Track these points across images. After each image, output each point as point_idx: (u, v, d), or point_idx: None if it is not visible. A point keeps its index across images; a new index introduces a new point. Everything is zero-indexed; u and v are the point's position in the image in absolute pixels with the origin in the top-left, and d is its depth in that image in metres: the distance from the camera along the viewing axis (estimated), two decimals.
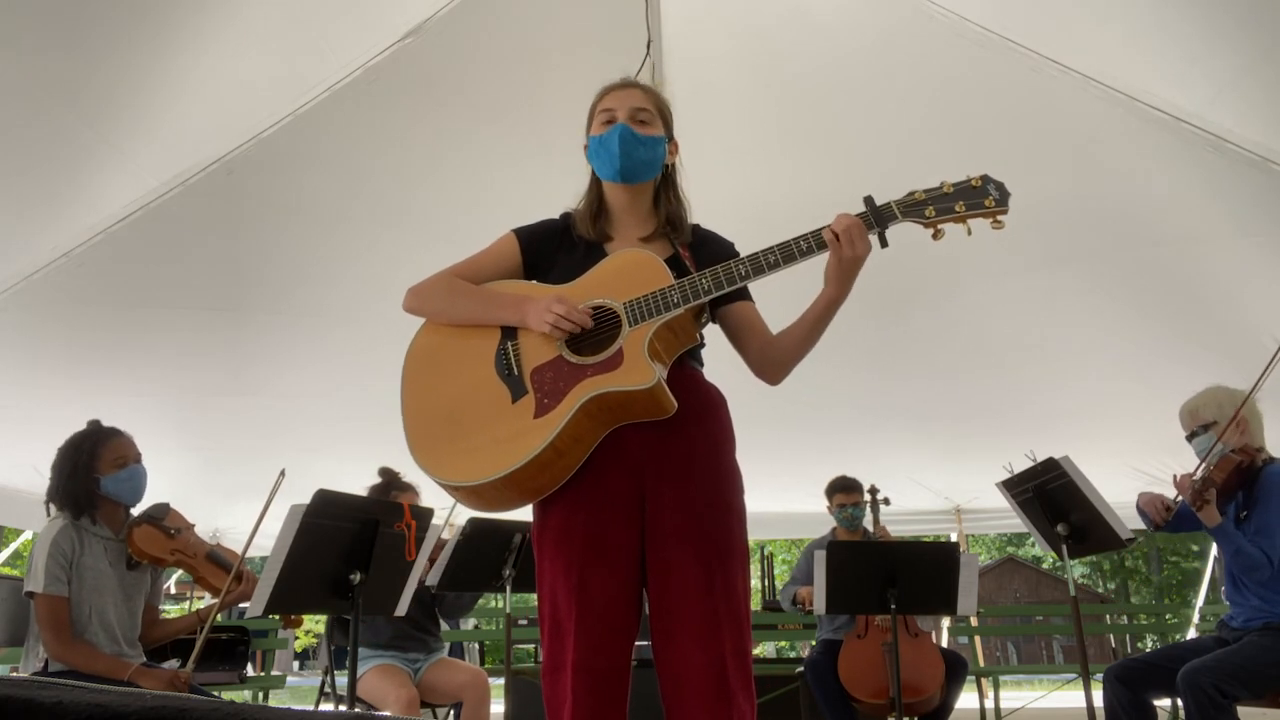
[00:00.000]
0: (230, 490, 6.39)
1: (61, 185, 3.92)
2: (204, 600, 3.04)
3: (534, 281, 1.99)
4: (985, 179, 1.79)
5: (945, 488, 7.19)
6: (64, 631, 2.72)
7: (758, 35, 4.27)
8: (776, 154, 4.64)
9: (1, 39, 3.13)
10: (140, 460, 2.97)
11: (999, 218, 1.78)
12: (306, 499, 2.59)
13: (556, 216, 2.05)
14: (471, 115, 4.38)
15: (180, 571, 3.09)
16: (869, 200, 1.79)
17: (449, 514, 4.21)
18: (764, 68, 4.35)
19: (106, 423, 3.02)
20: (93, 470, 2.88)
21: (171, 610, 10.30)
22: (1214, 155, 3.90)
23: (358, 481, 3.72)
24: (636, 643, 1.82)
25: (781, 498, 6.77)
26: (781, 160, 4.64)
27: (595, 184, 2.01)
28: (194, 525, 3.08)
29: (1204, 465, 3.27)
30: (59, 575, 2.75)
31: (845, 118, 4.49)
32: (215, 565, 3.01)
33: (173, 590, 13.68)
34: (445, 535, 3.76)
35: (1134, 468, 6.06)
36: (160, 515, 3.01)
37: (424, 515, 2.96)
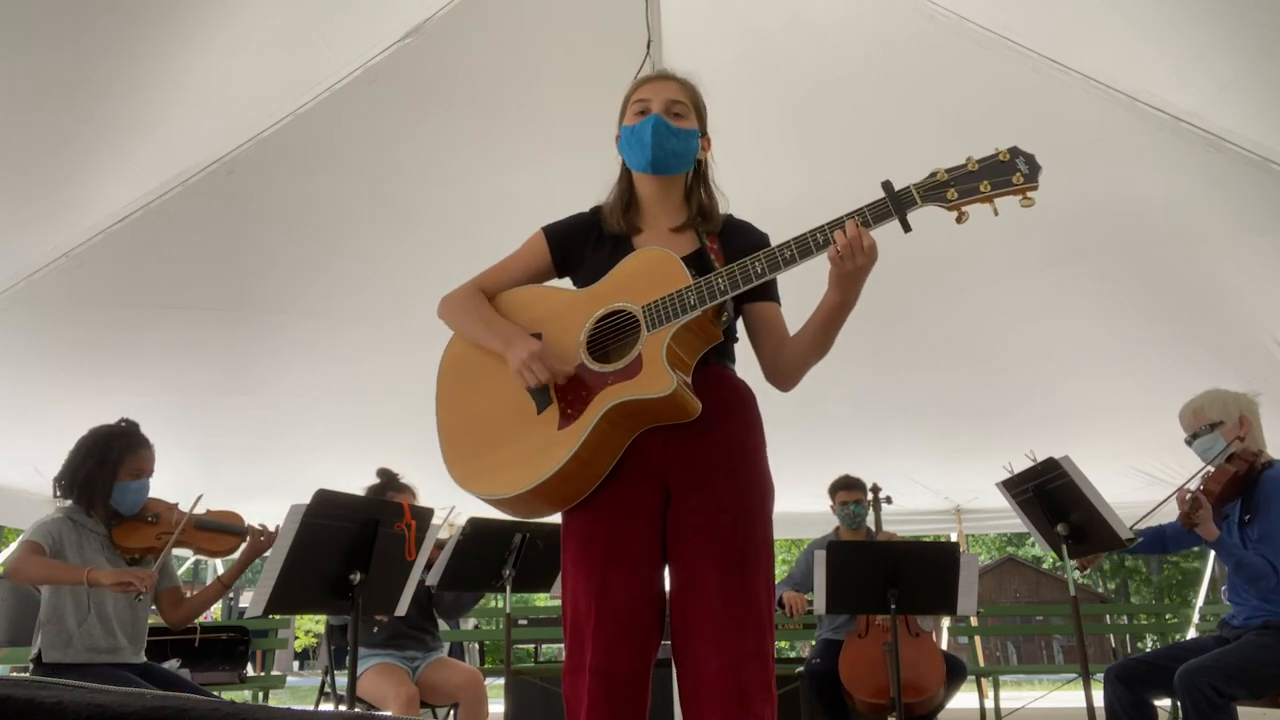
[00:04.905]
0: (230, 490, 6.38)
1: (61, 185, 3.92)
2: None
3: (553, 285, 2.00)
4: (1014, 151, 1.68)
5: (945, 488, 7.19)
6: (30, 557, 2.76)
7: (758, 36, 4.26)
8: (777, 154, 4.64)
9: (1, 39, 3.13)
10: (151, 476, 3.00)
11: (1029, 194, 1.66)
12: (306, 499, 2.59)
13: (586, 210, 2.04)
14: (471, 115, 4.37)
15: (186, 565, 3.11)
16: (887, 185, 1.71)
17: (448, 514, 4.21)
18: (765, 68, 4.34)
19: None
20: (116, 470, 2.90)
21: None
22: (1214, 155, 3.90)
23: (358, 481, 3.72)
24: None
25: (782, 498, 6.67)
26: (781, 160, 4.63)
27: (625, 175, 2.00)
28: (176, 504, 3.08)
29: (1207, 468, 3.27)
30: (44, 537, 2.80)
31: (845, 118, 4.49)
32: (208, 531, 3.02)
33: None
34: (445, 535, 3.76)
35: (1134, 468, 6.06)
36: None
37: (424, 515, 2.96)
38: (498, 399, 1.87)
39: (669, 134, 1.90)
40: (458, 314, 1.97)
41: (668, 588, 1.84)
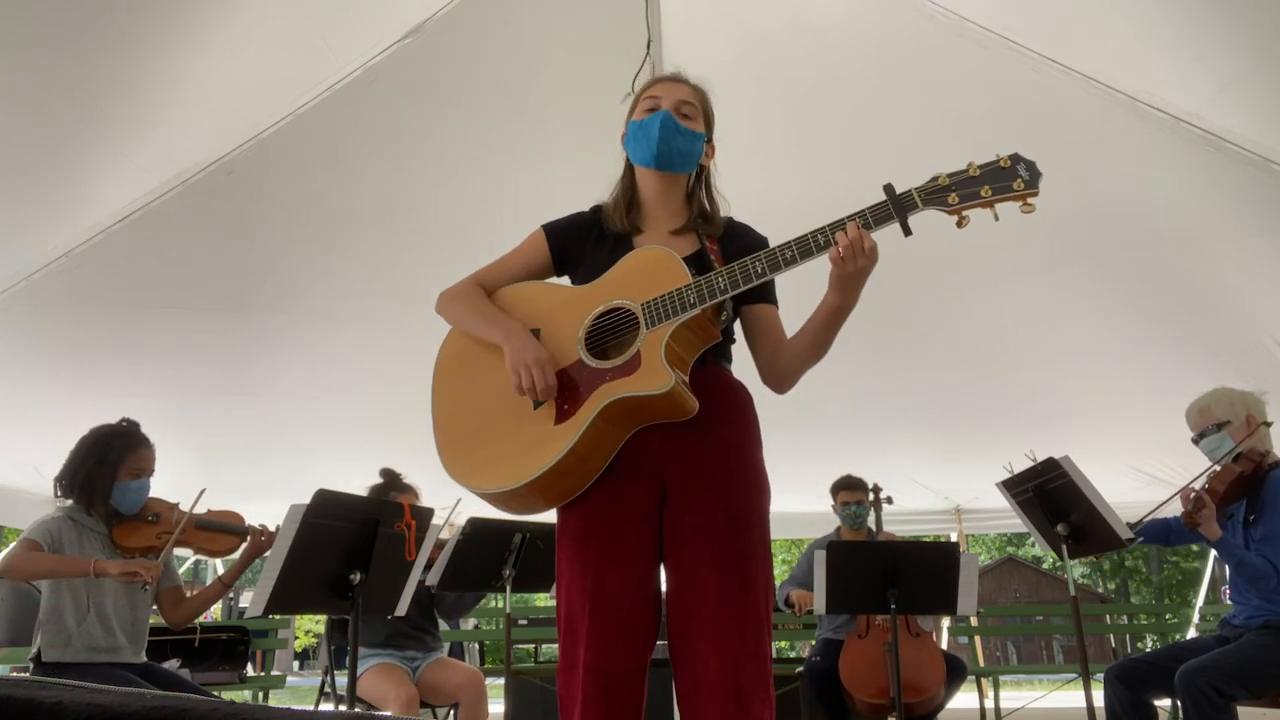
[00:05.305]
0: (230, 490, 6.37)
1: (61, 185, 3.92)
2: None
3: (553, 282, 2.00)
4: (1015, 158, 1.69)
5: (945, 488, 7.19)
6: (29, 553, 2.76)
7: (758, 36, 4.26)
8: (777, 154, 4.64)
9: (1, 39, 3.13)
10: (151, 475, 2.99)
11: (1029, 200, 1.67)
12: (306, 499, 2.59)
13: (587, 210, 2.04)
14: (471, 115, 4.38)
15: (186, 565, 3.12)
16: (889, 189, 1.72)
17: (449, 514, 4.21)
18: (765, 69, 4.34)
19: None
20: (116, 470, 2.91)
21: None
22: (1214, 155, 3.90)
23: (358, 481, 3.72)
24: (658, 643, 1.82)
25: (782, 498, 6.67)
26: (781, 160, 4.63)
27: (629, 173, 2.01)
28: (177, 504, 3.08)
29: (1214, 467, 3.26)
30: (42, 535, 2.81)
31: (846, 118, 4.49)
32: (208, 531, 3.02)
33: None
34: (445, 535, 3.75)
35: (1134, 468, 6.06)
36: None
37: (424, 515, 2.96)
38: (494, 394, 1.86)
39: (676, 132, 1.91)
40: (455, 307, 1.97)
41: (663, 587, 1.83)
